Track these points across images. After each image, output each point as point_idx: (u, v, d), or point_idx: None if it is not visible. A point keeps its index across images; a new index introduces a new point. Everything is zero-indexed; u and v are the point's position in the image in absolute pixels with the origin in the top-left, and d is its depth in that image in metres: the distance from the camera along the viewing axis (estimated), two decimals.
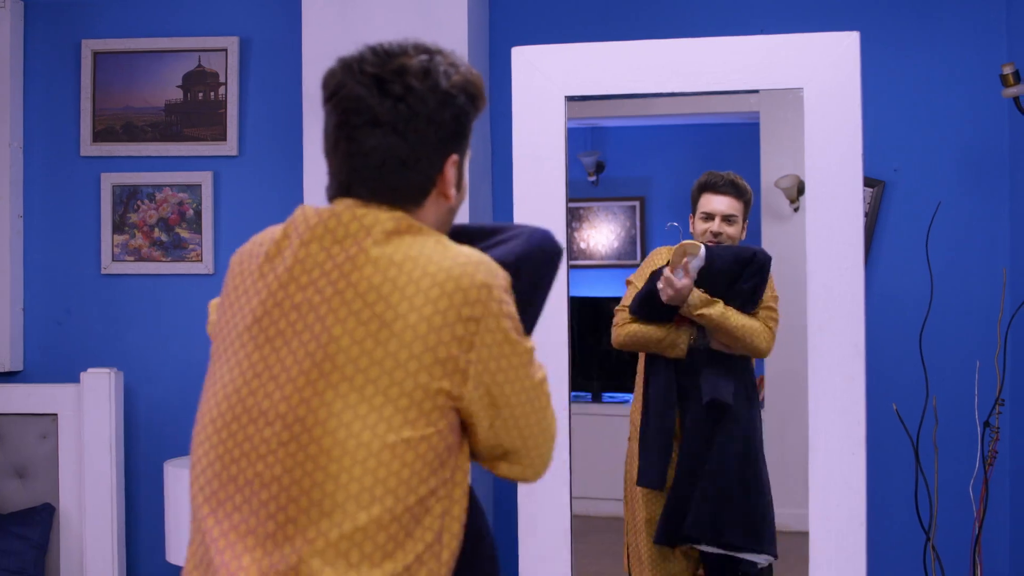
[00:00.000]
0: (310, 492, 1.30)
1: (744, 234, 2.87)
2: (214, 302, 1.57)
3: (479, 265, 1.36)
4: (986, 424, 3.00)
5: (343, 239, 1.36)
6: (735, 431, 2.79)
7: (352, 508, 1.30)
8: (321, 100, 1.44)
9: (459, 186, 1.46)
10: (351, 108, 1.37)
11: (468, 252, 1.37)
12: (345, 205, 1.39)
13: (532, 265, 1.47)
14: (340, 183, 1.42)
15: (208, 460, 1.38)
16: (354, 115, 1.37)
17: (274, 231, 1.43)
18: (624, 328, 2.86)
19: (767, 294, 2.81)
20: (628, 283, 2.93)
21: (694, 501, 2.75)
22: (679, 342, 2.79)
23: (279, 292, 1.37)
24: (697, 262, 2.77)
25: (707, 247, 2.79)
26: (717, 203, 2.85)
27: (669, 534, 2.81)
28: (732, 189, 2.85)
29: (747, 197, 2.86)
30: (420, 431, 1.32)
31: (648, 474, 2.85)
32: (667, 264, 2.80)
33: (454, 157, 1.42)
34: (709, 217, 2.85)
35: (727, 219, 2.84)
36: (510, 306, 1.38)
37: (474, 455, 1.46)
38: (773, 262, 2.92)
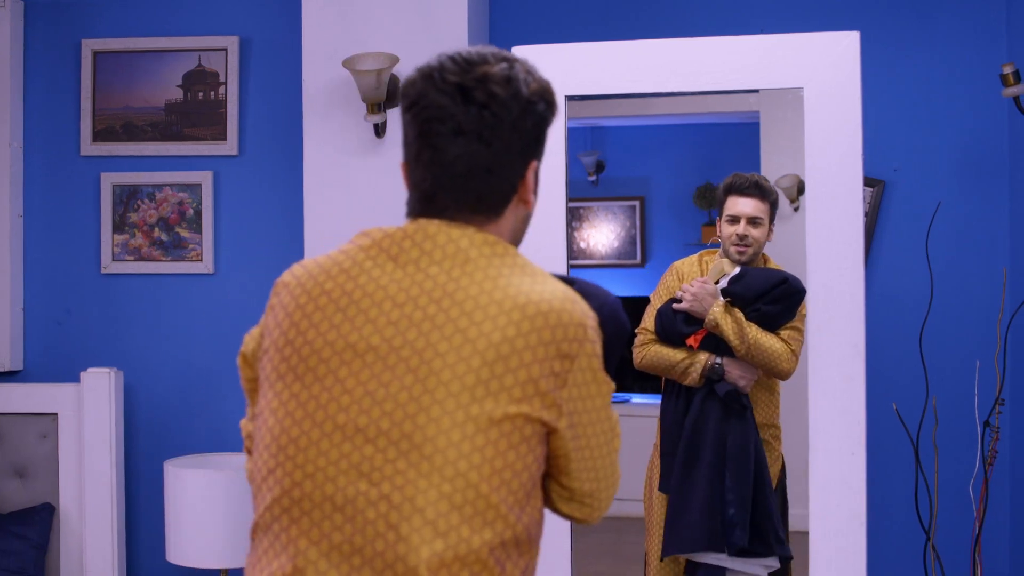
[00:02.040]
0: (424, 510, 1.28)
1: (771, 236, 2.84)
2: (254, 332, 1.52)
3: (576, 303, 1.36)
4: (986, 424, 3.00)
5: (441, 260, 1.35)
6: (749, 433, 2.76)
7: (466, 532, 1.28)
8: (400, 110, 1.43)
9: (535, 192, 1.47)
10: (434, 117, 1.36)
11: (564, 288, 1.38)
12: (436, 226, 1.38)
13: (604, 333, 1.46)
14: (423, 193, 1.40)
15: (293, 480, 1.34)
16: (437, 124, 1.36)
17: (337, 256, 1.41)
18: (643, 349, 2.83)
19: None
20: (649, 301, 2.90)
21: (730, 507, 2.71)
22: (693, 370, 2.75)
23: (372, 310, 1.34)
24: (728, 279, 2.76)
25: (743, 268, 2.77)
26: (743, 205, 2.82)
27: (678, 544, 2.77)
28: (757, 191, 2.82)
29: (772, 198, 2.84)
30: (523, 458, 1.32)
31: (666, 480, 2.83)
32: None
33: (534, 163, 1.43)
34: (735, 220, 2.81)
35: (752, 221, 2.81)
36: (599, 346, 1.39)
37: (544, 495, 1.46)
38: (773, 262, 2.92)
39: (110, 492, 3.28)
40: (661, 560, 2.81)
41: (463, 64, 1.38)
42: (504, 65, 1.38)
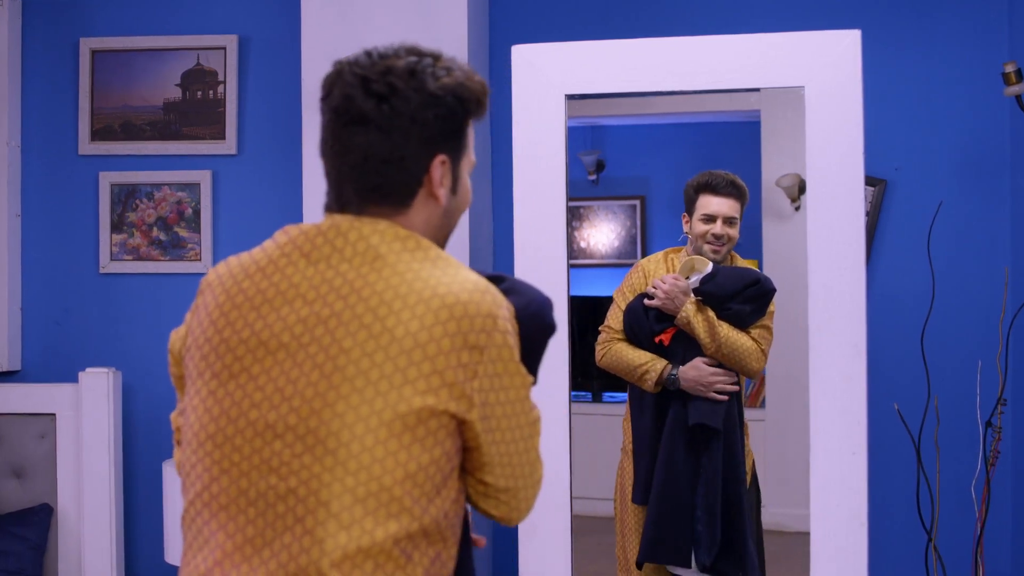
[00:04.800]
0: (328, 504, 1.31)
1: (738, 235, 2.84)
2: (180, 331, 1.54)
3: (485, 293, 1.37)
4: (988, 424, 2.99)
5: (351, 258, 1.37)
6: (722, 453, 2.74)
7: (370, 524, 1.31)
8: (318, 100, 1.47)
9: (454, 189, 1.47)
10: (339, 107, 1.40)
11: (476, 279, 1.39)
12: (349, 223, 1.40)
13: (526, 330, 1.46)
14: (330, 184, 1.44)
15: (211, 475, 1.38)
16: (342, 114, 1.40)
17: (257, 255, 1.44)
18: (605, 348, 2.81)
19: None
20: (613, 299, 2.88)
21: (698, 524, 2.70)
22: (649, 377, 2.74)
23: (283, 308, 1.37)
24: (699, 276, 2.74)
25: (715, 265, 2.75)
26: (718, 205, 2.79)
27: (649, 553, 2.77)
28: (733, 190, 2.79)
29: (746, 197, 2.82)
30: (429, 451, 1.33)
31: (641, 492, 2.82)
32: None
33: (441, 157, 1.43)
34: (711, 219, 2.79)
35: (728, 221, 2.79)
36: (513, 336, 1.40)
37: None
38: (773, 262, 2.91)
39: (109, 492, 3.28)
40: (638, 567, 2.80)
41: (374, 58, 1.41)
42: (412, 59, 1.40)
